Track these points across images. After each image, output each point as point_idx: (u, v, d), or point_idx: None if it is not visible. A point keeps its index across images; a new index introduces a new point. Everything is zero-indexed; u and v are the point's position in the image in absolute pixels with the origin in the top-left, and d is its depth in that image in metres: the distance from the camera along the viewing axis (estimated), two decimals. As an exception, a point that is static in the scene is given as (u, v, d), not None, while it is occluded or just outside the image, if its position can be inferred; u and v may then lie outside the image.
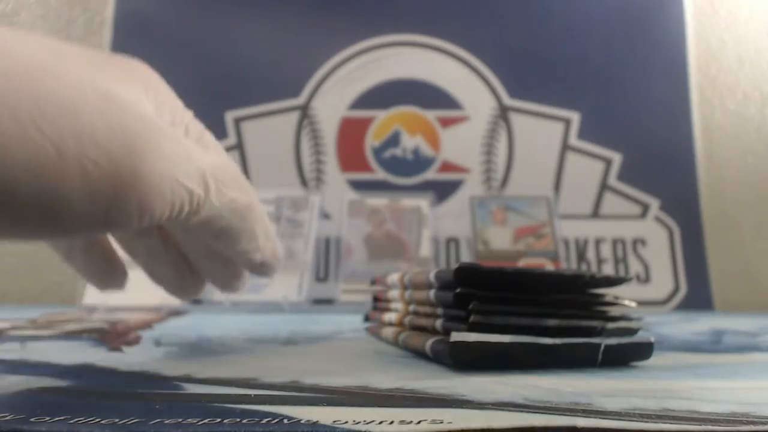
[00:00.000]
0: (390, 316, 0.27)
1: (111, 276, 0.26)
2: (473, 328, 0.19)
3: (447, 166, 0.62)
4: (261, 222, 0.21)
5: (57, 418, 0.13)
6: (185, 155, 0.17)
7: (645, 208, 0.62)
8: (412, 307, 0.25)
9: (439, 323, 0.21)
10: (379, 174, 0.62)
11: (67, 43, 0.17)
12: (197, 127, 0.22)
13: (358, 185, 0.61)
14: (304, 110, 0.63)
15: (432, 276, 0.22)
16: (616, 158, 0.62)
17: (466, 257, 0.57)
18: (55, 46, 0.17)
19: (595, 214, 0.61)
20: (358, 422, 0.12)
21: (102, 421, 0.12)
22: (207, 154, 0.19)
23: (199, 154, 0.18)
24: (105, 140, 0.15)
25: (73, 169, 0.14)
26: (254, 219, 0.21)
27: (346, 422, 0.12)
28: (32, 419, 0.13)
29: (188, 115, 0.21)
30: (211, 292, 0.47)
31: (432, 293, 0.22)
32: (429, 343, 0.21)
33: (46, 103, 0.14)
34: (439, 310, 0.22)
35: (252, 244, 0.21)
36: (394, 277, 0.27)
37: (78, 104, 0.15)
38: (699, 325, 0.34)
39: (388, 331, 0.26)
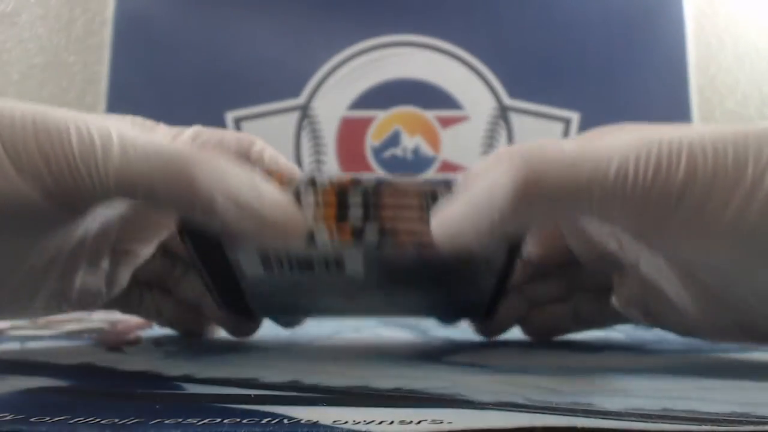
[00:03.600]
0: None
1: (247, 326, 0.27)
2: None
3: (447, 166, 0.62)
4: (220, 182, 0.17)
5: (57, 418, 0.13)
6: (91, 129, 0.17)
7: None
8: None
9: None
10: (380, 174, 0.62)
11: None
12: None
13: (358, 185, 0.61)
14: (304, 110, 0.63)
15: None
16: (616, 158, 0.62)
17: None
18: None
19: (595, 214, 0.61)
20: (358, 422, 0.12)
21: (102, 421, 0.12)
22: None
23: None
24: (19, 125, 0.17)
25: None
26: (204, 178, 0.17)
27: (346, 422, 0.12)
28: (32, 419, 0.13)
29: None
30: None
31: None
32: None
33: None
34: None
35: (206, 208, 0.17)
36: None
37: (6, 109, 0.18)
38: (699, 325, 0.34)
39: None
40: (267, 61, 0.64)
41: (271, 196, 0.19)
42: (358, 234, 0.19)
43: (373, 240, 0.20)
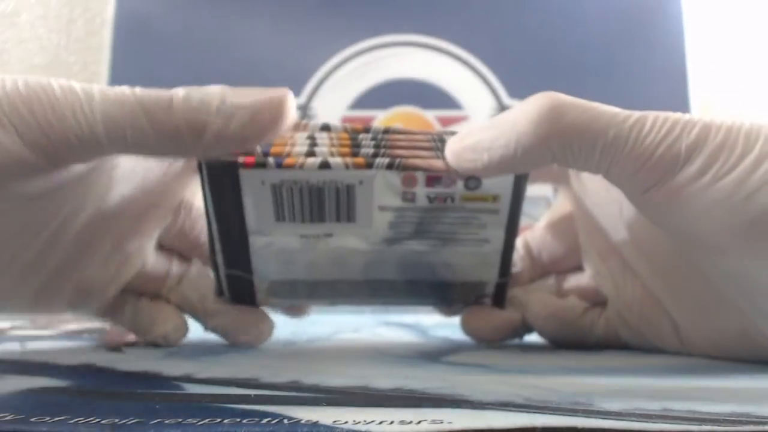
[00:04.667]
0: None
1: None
2: None
3: (447, 166, 0.62)
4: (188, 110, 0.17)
5: (57, 418, 0.13)
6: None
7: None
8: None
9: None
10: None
11: None
12: None
13: (358, 185, 0.61)
14: (304, 110, 0.63)
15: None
16: (616, 158, 0.62)
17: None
18: None
19: (595, 214, 0.61)
20: (358, 422, 0.12)
21: (102, 421, 0.12)
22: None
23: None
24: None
25: None
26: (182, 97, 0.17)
27: (346, 422, 0.12)
28: (32, 419, 0.13)
29: None
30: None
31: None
32: None
33: None
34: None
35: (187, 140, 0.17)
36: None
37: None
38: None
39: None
40: (267, 61, 0.64)
41: (245, 90, 0.18)
42: (370, 162, 0.20)
43: (384, 164, 0.20)
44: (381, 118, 0.63)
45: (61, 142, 0.17)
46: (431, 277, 0.24)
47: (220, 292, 0.25)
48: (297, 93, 0.64)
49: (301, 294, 0.25)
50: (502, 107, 0.64)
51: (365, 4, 0.66)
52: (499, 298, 0.25)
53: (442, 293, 0.25)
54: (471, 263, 0.23)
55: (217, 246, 0.23)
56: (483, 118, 0.63)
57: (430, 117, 0.63)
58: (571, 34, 0.65)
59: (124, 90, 0.18)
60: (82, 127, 0.17)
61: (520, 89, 0.64)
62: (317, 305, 0.25)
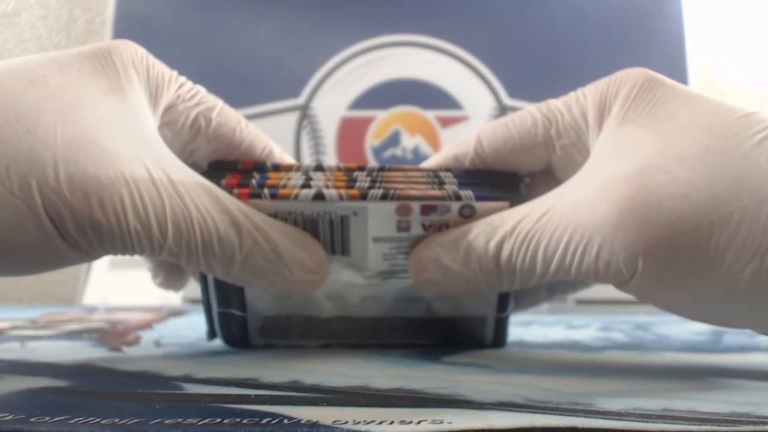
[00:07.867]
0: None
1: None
2: None
3: (447, 166, 0.62)
4: (250, 258, 0.19)
5: (57, 418, 0.13)
6: (145, 201, 0.17)
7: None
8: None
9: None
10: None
11: (50, 63, 0.18)
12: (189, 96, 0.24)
13: (358, 185, 0.61)
14: (304, 110, 0.63)
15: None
16: (616, 158, 0.62)
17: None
18: (36, 80, 0.17)
19: (595, 214, 0.61)
20: (358, 422, 0.12)
21: (102, 421, 0.12)
22: (179, 191, 0.18)
23: (166, 194, 0.18)
24: (67, 193, 0.16)
25: (38, 219, 0.16)
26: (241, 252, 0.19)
27: (346, 422, 0.12)
28: (32, 419, 0.13)
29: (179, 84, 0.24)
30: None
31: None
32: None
33: (17, 163, 0.16)
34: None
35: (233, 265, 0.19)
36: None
37: (46, 159, 0.16)
38: (699, 325, 0.34)
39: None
40: (267, 61, 0.64)
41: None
42: (364, 194, 0.20)
43: (378, 195, 0.20)
44: (381, 118, 0.63)
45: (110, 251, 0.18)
46: (428, 314, 0.24)
47: (212, 334, 0.24)
48: (297, 93, 0.64)
49: (295, 332, 0.24)
50: (502, 107, 0.64)
51: (365, 4, 0.66)
52: (499, 334, 0.24)
53: (440, 331, 0.24)
54: (467, 296, 0.23)
55: (210, 284, 0.22)
56: (483, 118, 0.63)
57: (430, 117, 0.63)
58: (571, 34, 0.65)
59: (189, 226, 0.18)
60: (145, 251, 0.18)
61: (520, 89, 0.64)
62: (312, 345, 0.24)
